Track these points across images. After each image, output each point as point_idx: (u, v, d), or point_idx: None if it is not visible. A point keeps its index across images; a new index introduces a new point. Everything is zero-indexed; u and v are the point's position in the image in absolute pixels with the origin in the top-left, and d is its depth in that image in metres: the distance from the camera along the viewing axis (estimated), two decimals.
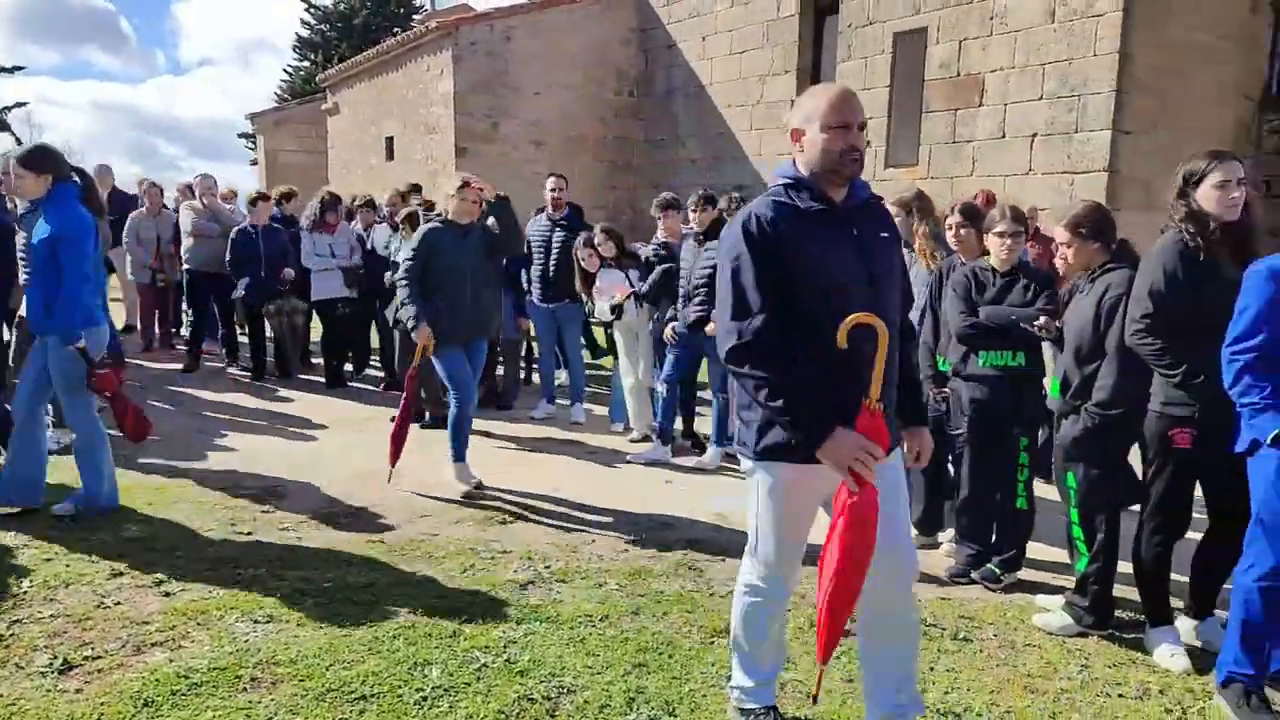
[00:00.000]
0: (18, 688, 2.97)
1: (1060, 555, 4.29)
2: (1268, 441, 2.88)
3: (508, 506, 5.08)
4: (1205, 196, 3.28)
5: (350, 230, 8.56)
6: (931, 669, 3.30)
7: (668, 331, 6.10)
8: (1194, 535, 3.59)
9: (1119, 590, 3.72)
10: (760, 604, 2.74)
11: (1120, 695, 3.18)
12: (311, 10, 29.59)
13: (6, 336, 5.96)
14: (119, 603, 3.62)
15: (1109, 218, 3.73)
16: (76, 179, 4.52)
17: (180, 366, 8.76)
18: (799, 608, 3.66)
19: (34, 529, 4.34)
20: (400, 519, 4.82)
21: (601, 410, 7.44)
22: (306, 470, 5.68)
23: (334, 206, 8.34)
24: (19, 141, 23.51)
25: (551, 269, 7.07)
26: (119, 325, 8.67)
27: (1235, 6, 10.26)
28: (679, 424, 6.50)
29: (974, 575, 4.19)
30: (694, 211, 5.93)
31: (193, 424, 6.77)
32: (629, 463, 6.12)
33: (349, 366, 8.83)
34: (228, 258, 8.22)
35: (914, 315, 4.54)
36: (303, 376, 8.70)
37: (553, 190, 7.19)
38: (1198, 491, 3.51)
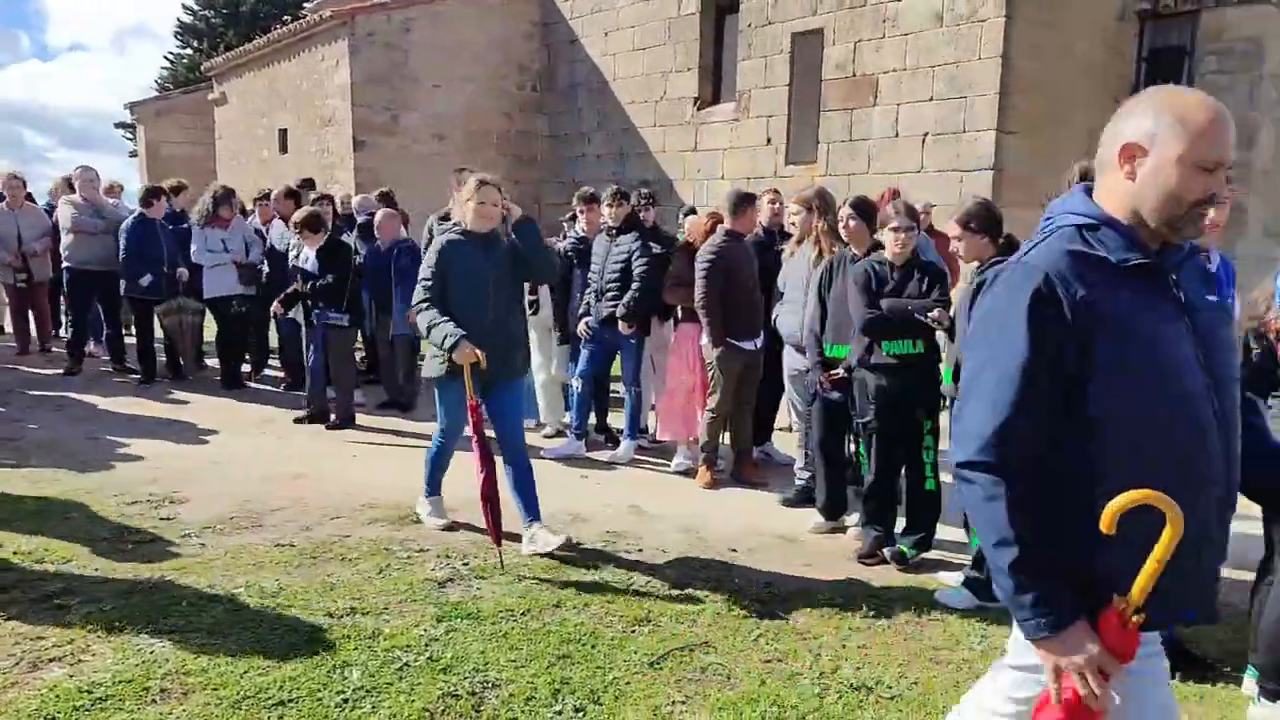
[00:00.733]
0: None
1: (962, 534, 4.53)
2: None
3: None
4: None
5: (245, 225, 8.26)
6: (844, 646, 3.45)
7: (581, 327, 6.13)
8: None
9: None
10: None
11: None
12: None
13: None
14: (10, 619, 3.43)
15: (996, 214, 3.95)
16: None
17: (61, 371, 8.28)
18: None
19: None
20: (311, 521, 4.71)
21: None
22: (208, 475, 5.48)
23: (227, 200, 8.04)
24: None
25: None
26: None
27: (1105, 14, 10.93)
28: (593, 418, 6.54)
29: (885, 554, 4.38)
30: (609, 207, 6.00)
31: (81, 430, 6.43)
32: (543, 458, 6.12)
33: (246, 367, 8.52)
34: (122, 254, 7.80)
35: (806, 305, 4.75)
36: (197, 378, 8.35)
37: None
38: None
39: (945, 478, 4.26)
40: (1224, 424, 1.65)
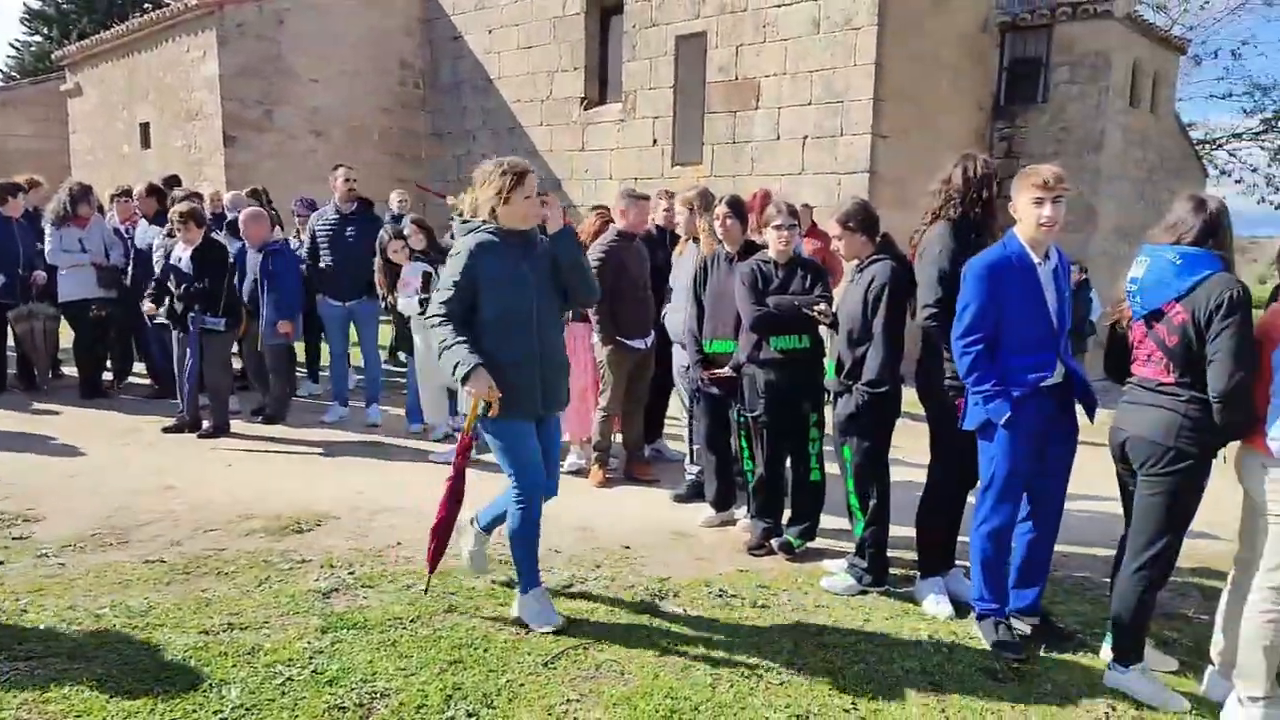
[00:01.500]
0: None
1: (845, 522, 4.68)
2: (1001, 423, 3.32)
3: (304, 515, 4.83)
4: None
5: (104, 224, 7.76)
6: (735, 636, 3.51)
7: None
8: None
9: (892, 551, 4.13)
10: None
11: (898, 643, 3.53)
12: None
13: None
14: None
15: (873, 214, 4.11)
16: None
17: None
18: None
19: None
20: (183, 535, 4.47)
21: (397, 411, 7.22)
22: (68, 488, 5.13)
23: (85, 198, 7.52)
24: None
25: (345, 265, 6.77)
26: None
27: (969, 24, 11.54)
28: None
29: (773, 545, 4.49)
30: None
31: None
32: (432, 462, 6.01)
33: (109, 375, 8.00)
34: None
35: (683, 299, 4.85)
36: (53, 388, 7.79)
37: (346, 181, 6.88)
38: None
39: (830, 468, 4.40)
40: None
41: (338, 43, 14.10)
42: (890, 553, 4.12)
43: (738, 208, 4.75)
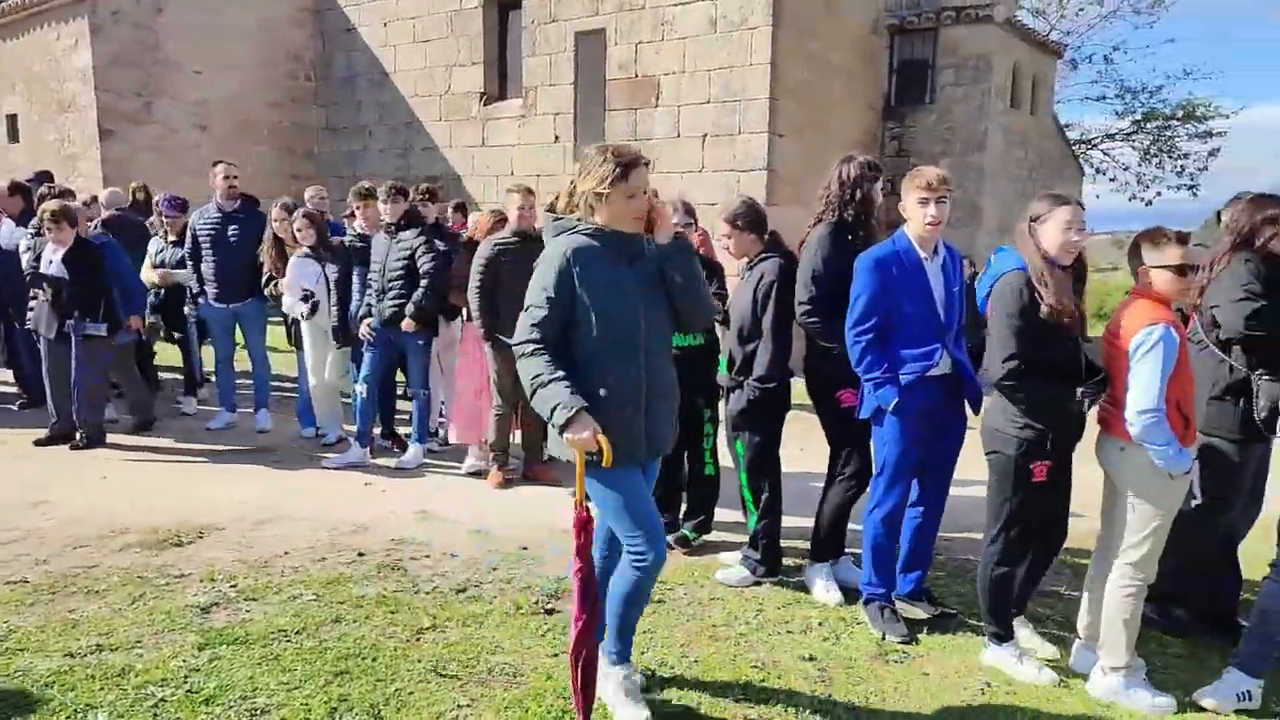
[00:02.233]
0: None
1: (739, 515, 4.75)
2: (890, 410, 3.44)
3: (184, 527, 4.62)
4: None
5: None
6: None
7: (364, 329, 5.86)
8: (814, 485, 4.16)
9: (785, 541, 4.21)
10: None
11: (789, 632, 3.61)
12: None
13: None
14: None
15: (761, 212, 4.18)
16: None
17: None
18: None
19: None
20: (50, 552, 4.21)
21: (286, 416, 6.99)
22: None
23: None
24: None
25: (228, 266, 6.50)
26: None
27: (859, 26, 11.86)
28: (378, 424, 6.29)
29: (670, 540, 4.51)
30: (384, 203, 5.76)
31: None
32: (324, 468, 5.83)
33: None
34: None
35: None
36: None
37: (226, 178, 6.57)
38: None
39: (724, 462, 4.46)
40: None
41: (222, 33, 13.51)
42: (783, 543, 4.20)
43: (690, 209, 4.78)
